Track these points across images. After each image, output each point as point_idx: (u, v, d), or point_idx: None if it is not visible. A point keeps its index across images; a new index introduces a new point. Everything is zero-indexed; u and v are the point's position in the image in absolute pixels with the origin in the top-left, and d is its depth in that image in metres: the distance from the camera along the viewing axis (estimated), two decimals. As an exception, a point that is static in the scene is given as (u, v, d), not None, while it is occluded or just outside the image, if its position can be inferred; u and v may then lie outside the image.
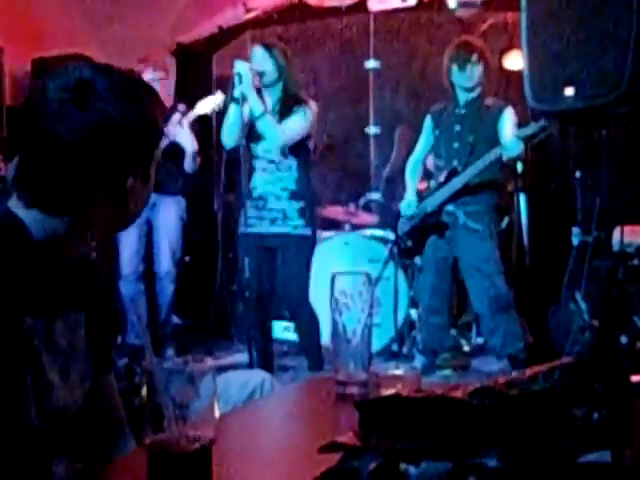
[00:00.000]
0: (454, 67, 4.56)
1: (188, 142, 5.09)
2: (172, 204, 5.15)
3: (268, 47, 4.24)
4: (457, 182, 4.52)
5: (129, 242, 5.06)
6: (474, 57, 4.51)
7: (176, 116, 5.09)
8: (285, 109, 4.20)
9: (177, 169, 5.05)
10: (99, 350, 1.50)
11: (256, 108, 4.14)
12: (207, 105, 4.93)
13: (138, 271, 5.14)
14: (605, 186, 3.67)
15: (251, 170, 4.31)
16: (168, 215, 5.15)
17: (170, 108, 5.07)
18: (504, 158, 4.43)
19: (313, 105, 4.25)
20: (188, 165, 5.16)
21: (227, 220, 4.77)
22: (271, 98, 4.27)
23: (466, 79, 4.54)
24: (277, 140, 4.17)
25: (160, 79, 5.09)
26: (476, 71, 4.53)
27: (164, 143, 4.97)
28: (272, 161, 4.26)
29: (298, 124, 4.18)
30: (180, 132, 5.00)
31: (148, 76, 4.97)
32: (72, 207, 1.31)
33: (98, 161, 1.28)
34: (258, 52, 4.23)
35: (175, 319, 5.63)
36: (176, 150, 5.00)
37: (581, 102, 3.22)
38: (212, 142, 5.46)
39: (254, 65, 4.17)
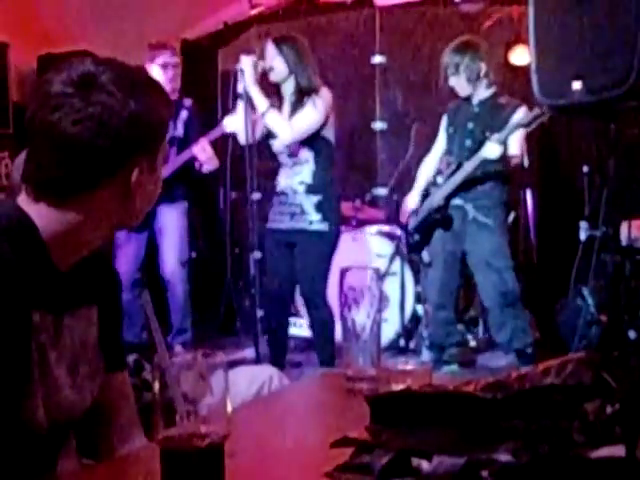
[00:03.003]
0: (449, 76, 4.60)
1: (208, 164, 4.92)
2: (175, 208, 5.02)
3: (278, 43, 4.20)
4: (458, 176, 4.54)
5: (128, 248, 4.93)
6: (461, 67, 4.53)
7: (183, 113, 5.03)
8: (298, 101, 4.18)
9: (182, 175, 4.94)
10: (112, 346, 1.50)
11: (259, 104, 4.13)
12: (235, 124, 4.78)
13: (134, 278, 4.99)
14: (613, 181, 3.66)
15: (277, 166, 4.30)
16: (171, 219, 5.01)
17: (175, 104, 4.99)
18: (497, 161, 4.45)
19: (325, 93, 4.20)
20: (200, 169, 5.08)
21: (233, 216, 4.75)
22: (287, 92, 4.24)
23: (459, 89, 4.58)
24: (286, 135, 4.14)
25: (175, 65, 4.96)
26: (463, 79, 4.54)
27: (186, 156, 4.91)
28: (290, 155, 4.24)
29: (307, 117, 4.13)
30: (200, 151, 4.83)
31: (161, 60, 4.88)
32: (78, 199, 1.31)
33: (102, 153, 1.28)
34: (268, 48, 4.20)
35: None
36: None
37: (589, 96, 3.20)
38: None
39: (264, 60, 4.16)
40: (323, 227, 4.18)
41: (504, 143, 4.33)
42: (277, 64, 4.16)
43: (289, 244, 4.28)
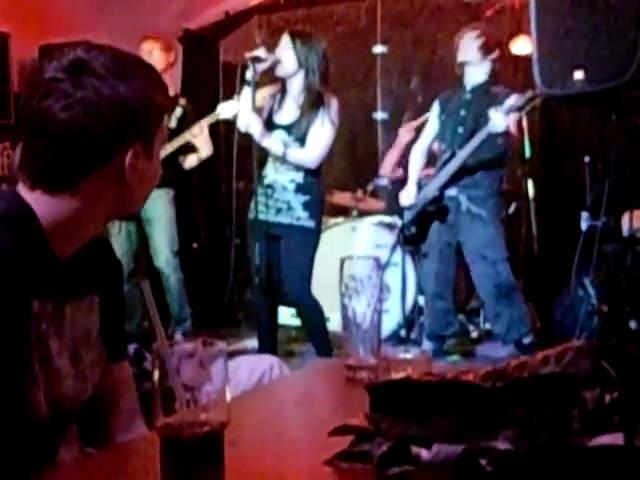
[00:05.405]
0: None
1: (205, 147, 5.01)
2: (161, 195, 5.00)
3: (293, 37, 4.14)
4: (452, 165, 4.53)
5: (120, 239, 4.95)
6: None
7: (178, 110, 5.01)
8: (308, 106, 4.12)
9: (170, 161, 4.88)
10: (113, 335, 1.49)
11: (277, 149, 4.12)
12: (230, 110, 4.76)
13: (128, 269, 4.97)
14: (614, 170, 3.66)
15: (265, 157, 4.25)
16: (159, 209, 5.02)
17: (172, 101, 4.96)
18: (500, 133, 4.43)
19: (334, 104, 4.14)
20: (189, 164, 5.11)
21: (235, 207, 4.74)
22: (293, 88, 4.18)
23: (478, 74, 4.56)
24: (311, 165, 4.14)
25: (167, 66, 4.99)
26: (487, 65, 4.53)
27: (182, 140, 4.90)
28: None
29: (323, 138, 4.12)
30: (198, 135, 4.89)
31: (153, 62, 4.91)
32: (73, 186, 1.31)
33: (93, 138, 1.28)
34: (282, 40, 4.15)
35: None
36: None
37: (591, 86, 3.20)
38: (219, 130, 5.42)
39: (272, 52, 4.12)
40: (310, 224, 4.18)
41: (507, 114, 4.30)
42: (286, 57, 4.10)
43: (273, 237, 4.25)
